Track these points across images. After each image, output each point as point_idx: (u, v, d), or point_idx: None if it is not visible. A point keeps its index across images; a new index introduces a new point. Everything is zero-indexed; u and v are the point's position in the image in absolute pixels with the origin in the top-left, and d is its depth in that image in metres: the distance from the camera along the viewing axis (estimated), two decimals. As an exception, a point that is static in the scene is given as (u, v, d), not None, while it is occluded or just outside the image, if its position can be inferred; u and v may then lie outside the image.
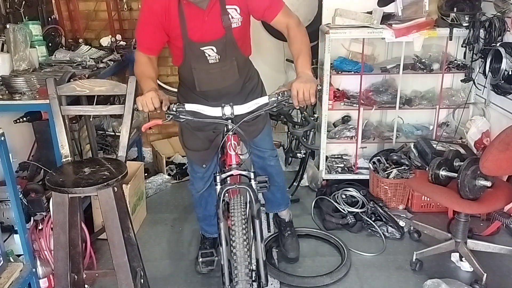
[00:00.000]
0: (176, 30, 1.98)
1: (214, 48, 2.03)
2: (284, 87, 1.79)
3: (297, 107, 1.80)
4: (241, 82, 2.21)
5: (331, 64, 3.21)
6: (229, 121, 1.82)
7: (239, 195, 1.81)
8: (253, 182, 1.83)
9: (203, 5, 1.93)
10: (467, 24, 3.04)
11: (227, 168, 1.89)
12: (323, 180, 3.41)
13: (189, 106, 1.79)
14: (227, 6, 1.95)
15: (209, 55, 2.05)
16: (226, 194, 1.79)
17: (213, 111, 1.80)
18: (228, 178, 1.86)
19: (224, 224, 1.76)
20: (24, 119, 2.55)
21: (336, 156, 3.57)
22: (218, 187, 1.83)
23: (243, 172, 1.85)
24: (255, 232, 1.77)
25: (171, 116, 1.78)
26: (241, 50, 2.12)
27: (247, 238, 1.67)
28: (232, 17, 1.97)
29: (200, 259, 2.32)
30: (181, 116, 1.78)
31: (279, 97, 1.77)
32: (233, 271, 1.65)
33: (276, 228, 2.83)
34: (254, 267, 1.77)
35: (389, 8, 3.18)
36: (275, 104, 1.78)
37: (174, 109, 1.77)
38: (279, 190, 2.61)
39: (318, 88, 1.73)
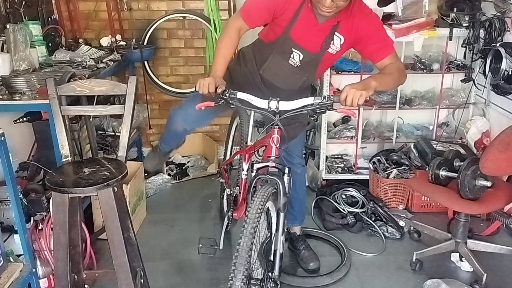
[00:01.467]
0: (283, 23, 2.03)
1: (301, 55, 2.08)
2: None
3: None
4: (295, 94, 2.10)
5: (331, 64, 3.22)
6: (277, 115, 1.87)
7: (269, 185, 1.82)
8: (285, 177, 1.87)
9: (320, 20, 1.99)
10: (467, 24, 3.05)
11: (265, 159, 1.93)
12: (323, 180, 3.41)
13: (240, 95, 1.86)
14: (336, 33, 2.01)
15: (293, 57, 2.11)
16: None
17: (261, 103, 1.86)
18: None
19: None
20: (24, 119, 2.54)
21: (336, 156, 3.58)
22: (253, 173, 1.91)
23: (279, 166, 1.90)
24: (278, 224, 1.84)
25: (222, 101, 1.86)
26: (317, 73, 2.21)
27: (256, 227, 1.65)
28: (333, 44, 2.04)
29: (200, 245, 2.20)
30: (231, 102, 1.86)
31: (323, 100, 1.80)
32: (232, 260, 1.61)
33: (288, 243, 2.70)
34: (271, 258, 1.86)
35: (389, 8, 3.18)
36: (318, 106, 1.81)
37: (227, 95, 1.85)
38: (298, 202, 2.56)
39: (367, 99, 1.77)
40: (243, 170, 2.11)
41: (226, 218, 2.24)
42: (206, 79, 1.87)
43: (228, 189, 2.48)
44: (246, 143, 2.35)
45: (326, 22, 1.98)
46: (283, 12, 2.01)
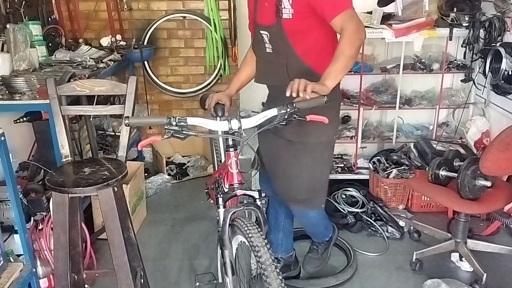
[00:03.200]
0: (252, 14, 2.04)
1: (268, 34, 1.96)
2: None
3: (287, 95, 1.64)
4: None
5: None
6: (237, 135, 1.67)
7: (246, 216, 1.68)
8: (258, 202, 1.67)
9: None
10: (467, 24, 3.04)
11: (228, 188, 1.74)
12: (323, 180, 3.40)
13: (191, 120, 1.58)
14: None
15: (265, 42, 1.99)
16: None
17: (219, 125, 1.63)
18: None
19: (230, 252, 1.65)
20: (24, 119, 2.55)
21: (336, 156, 3.57)
22: (221, 210, 1.67)
23: (247, 192, 1.69)
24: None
25: (171, 132, 1.57)
26: (295, 49, 1.92)
27: (271, 253, 1.50)
28: (284, 7, 1.88)
29: (197, 284, 1.98)
30: (183, 131, 1.57)
31: (288, 109, 1.61)
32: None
33: None
34: None
35: (389, 8, 3.18)
36: (285, 117, 1.62)
37: (174, 123, 1.55)
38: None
39: (324, 100, 1.61)
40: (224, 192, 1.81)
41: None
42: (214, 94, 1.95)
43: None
44: (221, 161, 2.16)
45: None
46: (252, 3, 2.02)
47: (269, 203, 2.16)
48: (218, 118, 1.77)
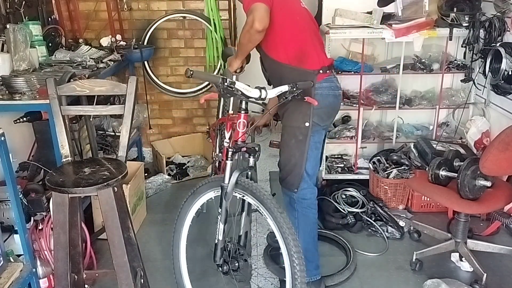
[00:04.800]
0: None
1: None
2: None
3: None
4: (276, 83, 2.17)
5: (331, 64, 3.22)
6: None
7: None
8: (251, 161, 1.99)
9: None
10: (467, 24, 3.04)
11: (230, 143, 2.07)
12: (323, 180, 3.41)
13: (238, 84, 1.88)
14: None
15: None
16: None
17: (254, 93, 1.91)
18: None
19: (227, 203, 1.93)
20: (24, 119, 2.55)
21: (336, 156, 3.58)
22: (229, 162, 1.92)
23: (249, 145, 1.98)
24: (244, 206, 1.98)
25: (224, 91, 1.87)
26: (261, 45, 2.15)
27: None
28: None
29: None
30: (230, 91, 1.87)
31: (294, 89, 1.96)
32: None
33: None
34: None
35: (389, 8, 3.18)
36: (293, 93, 1.96)
37: (225, 84, 1.85)
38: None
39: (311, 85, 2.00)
40: (225, 138, 2.23)
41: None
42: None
43: (214, 153, 2.72)
44: (228, 111, 2.54)
45: None
46: None
47: None
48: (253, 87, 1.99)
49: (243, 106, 1.98)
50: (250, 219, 2.10)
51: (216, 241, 1.98)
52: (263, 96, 1.91)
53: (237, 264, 1.97)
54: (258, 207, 1.89)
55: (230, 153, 1.93)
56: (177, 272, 2.23)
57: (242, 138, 1.98)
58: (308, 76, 2.08)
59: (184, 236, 2.19)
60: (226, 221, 1.96)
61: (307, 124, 2.12)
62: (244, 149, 1.96)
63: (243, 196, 1.94)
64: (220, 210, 1.95)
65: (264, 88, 1.93)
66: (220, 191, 1.96)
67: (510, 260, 2.59)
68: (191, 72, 1.73)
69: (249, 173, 1.98)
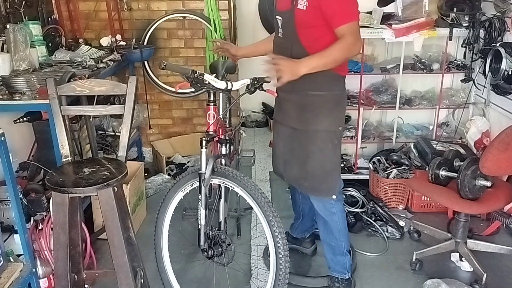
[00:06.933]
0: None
1: (281, 18, 2.11)
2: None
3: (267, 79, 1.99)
4: (300, 85, 2.02)
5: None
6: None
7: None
8: (223, 150, 2.21)
9: None
10: (467, 24, 3.05)
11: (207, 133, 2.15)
12: (323, 180, 3.40)
13: (206, 76, 1.99)
14: None
15: (279, 27, 2.15)
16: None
17: (220, 84, 2.04)
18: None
19: (206, 189, 2.04)
20: (24, 119, 2.55)
21: (336, 156, 3.57)
22: (204, 150, 2.05)
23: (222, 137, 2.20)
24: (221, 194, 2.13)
25: (192, 81, 1.97)
26: (300, 38, 2.03)
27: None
28: None
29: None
30: (199, 81, 1.97)
31: (254, 82, 2.04)
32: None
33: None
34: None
35: (389, 8, 3.18)
36: (255, 85, 2.04)
37: (195, 74, 1.95)
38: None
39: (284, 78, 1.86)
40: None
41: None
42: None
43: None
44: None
45: None
46: None
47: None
48: (220, 78, 2.15)
49: (211, 98, 2.12)
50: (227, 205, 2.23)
51: (199, 227, 2.07)
52: (229, 87, 2.05)
53: (220, 249, 2.11)
54: (234, 187, 2.05)
55: (204, 142, 2.05)
56: (159, 259, 2.31)
57: (213, 129, 2.13)
58: (340, 80, 2.18)
59: (166, 228, 2.28)
60: (207, 206, 2.06)
61: (340, 128, 2.16)
62: (216, 139, 2.14)
63: (222, 182, 2.07)
64: (200, 196, 2.04)
65: (229, 80, 2.09)
66: (198, 179, 2.06)
67: (510, 260, 2.60)
68: (165, 64, 1.83)
69: (223, 160, 2.15)
